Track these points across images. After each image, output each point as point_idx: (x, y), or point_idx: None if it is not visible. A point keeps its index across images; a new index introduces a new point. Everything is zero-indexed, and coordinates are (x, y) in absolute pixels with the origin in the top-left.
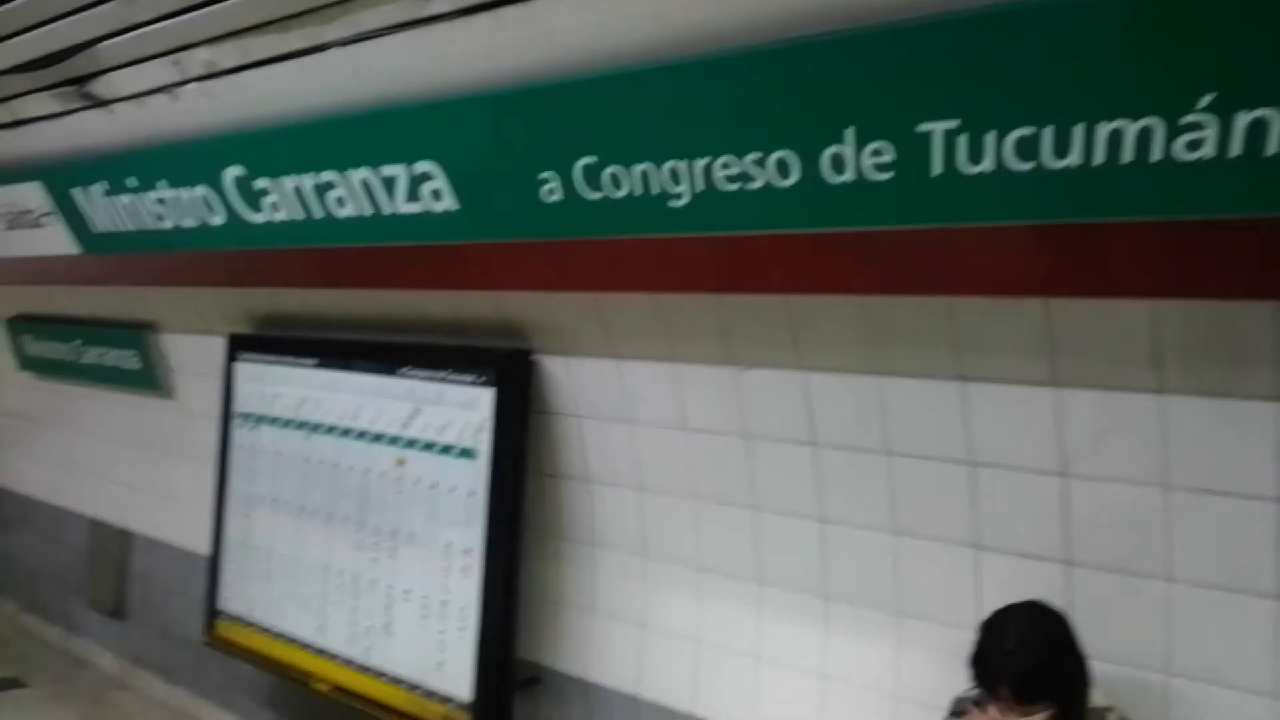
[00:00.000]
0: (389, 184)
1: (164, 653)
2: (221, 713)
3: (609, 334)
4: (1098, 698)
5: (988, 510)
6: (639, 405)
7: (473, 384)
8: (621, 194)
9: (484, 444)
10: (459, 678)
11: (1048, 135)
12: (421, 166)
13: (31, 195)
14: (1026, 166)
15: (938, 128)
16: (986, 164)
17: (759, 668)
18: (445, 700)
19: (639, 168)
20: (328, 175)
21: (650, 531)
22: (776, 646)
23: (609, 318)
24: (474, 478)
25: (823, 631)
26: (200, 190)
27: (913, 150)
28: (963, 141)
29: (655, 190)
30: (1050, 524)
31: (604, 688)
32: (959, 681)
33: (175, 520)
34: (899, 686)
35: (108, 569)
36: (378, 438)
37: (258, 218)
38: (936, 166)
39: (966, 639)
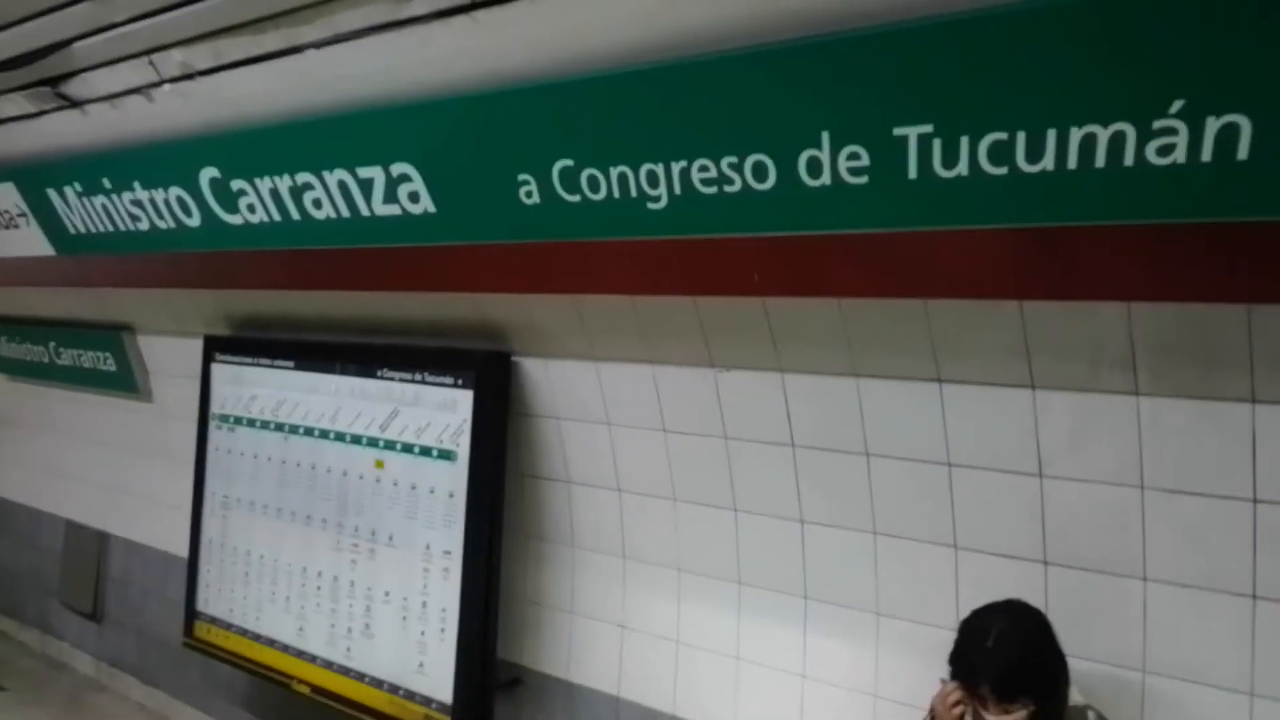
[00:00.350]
0: (366, 186)
1: (142, 655)
2: (200, 715)
3: (588, 336)
4: (1076, 695)
5: (965, 510)
6: (618, 407)
7: (452, 386)
8: (599, 196)
9: (463, 446)
10: (439, 679)
11: (1021, 140)
12: (398, 168)
13: (5, 196)
14: (1000, 171)
15: (912, 132)
16: (961, 168)
17: (739, 668)
18: (426, 702)
19: (616, 170)
20: (304, 177)
21: (630, 532)
22: (757, 646)
23: (588, 320)
24: (453, 479)
25: (802, 631)
26: (176, 191)
27: (888, 154)
28: (937, 146)
29: (633, 193)
30: (1027, 524)
31: (585, 688)
32: (938, 680)
33: (152, 522)
34: (879, 686)
35: (84, 571)
36: (356, 439)
37: (234, 219)
38: (912, 170)
39: (946, 638)
